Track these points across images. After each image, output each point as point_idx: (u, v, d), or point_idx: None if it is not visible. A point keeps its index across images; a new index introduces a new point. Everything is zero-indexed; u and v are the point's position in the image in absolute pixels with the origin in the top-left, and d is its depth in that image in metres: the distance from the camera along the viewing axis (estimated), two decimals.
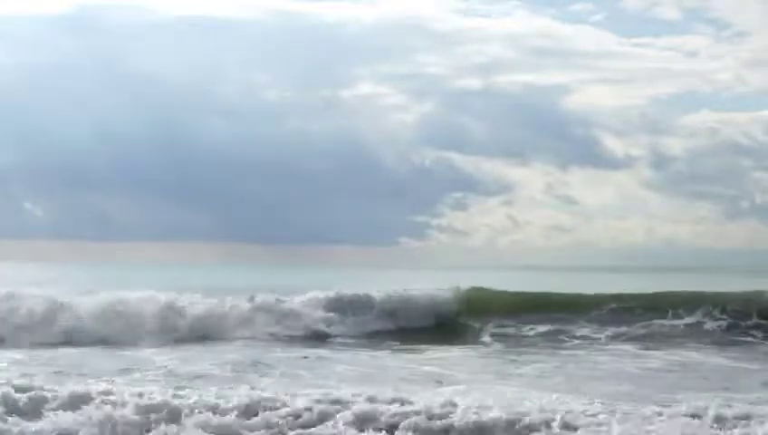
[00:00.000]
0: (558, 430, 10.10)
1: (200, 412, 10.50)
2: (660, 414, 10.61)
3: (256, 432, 10.28)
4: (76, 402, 10.87)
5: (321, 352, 18.94)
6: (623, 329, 22.84)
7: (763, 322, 23.28)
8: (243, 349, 19.02)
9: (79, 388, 11.49)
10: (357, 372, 15.91)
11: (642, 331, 22.91)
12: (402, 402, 10.89)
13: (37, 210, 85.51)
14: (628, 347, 20.77)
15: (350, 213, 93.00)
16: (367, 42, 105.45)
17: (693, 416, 10.51)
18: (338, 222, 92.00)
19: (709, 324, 23.37)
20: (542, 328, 23.08)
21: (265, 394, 11.24)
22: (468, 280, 26.39)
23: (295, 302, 23.48)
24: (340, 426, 10.30)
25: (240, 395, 11.09)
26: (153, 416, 10.47)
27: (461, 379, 14.96)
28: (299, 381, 14.15)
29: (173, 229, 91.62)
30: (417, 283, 26.04)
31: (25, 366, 15.81)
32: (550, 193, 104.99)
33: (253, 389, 11.85)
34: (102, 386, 11.92)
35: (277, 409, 10.67)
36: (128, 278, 35.58)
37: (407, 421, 10.33)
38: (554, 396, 11.91)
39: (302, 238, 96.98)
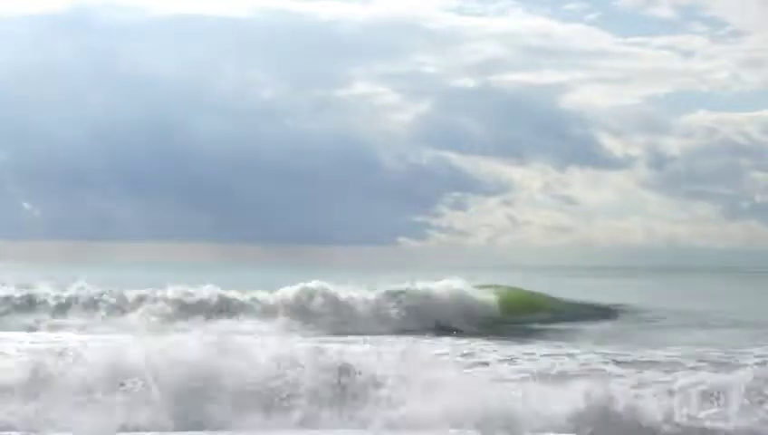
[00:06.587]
0: None
1: None
2: None
3: None
4: None
5: None
6: None
7: None
8: None
9: None
10: None
11: None
12: None
13: (36, 210, 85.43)
14: None
15: (348, 213, 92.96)
16: (362, 40, 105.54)
17: None
18: (336, 222, 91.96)
19: None
20: None
21: None
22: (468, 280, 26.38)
23: None
24: None
25: None
26: None
27: None
28: None
29: (173, 229, 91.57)
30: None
31: None
32: (548, 193, 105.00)
33: None
34: None
35: None
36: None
37: None
38: None
39: (301, 238, 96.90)
